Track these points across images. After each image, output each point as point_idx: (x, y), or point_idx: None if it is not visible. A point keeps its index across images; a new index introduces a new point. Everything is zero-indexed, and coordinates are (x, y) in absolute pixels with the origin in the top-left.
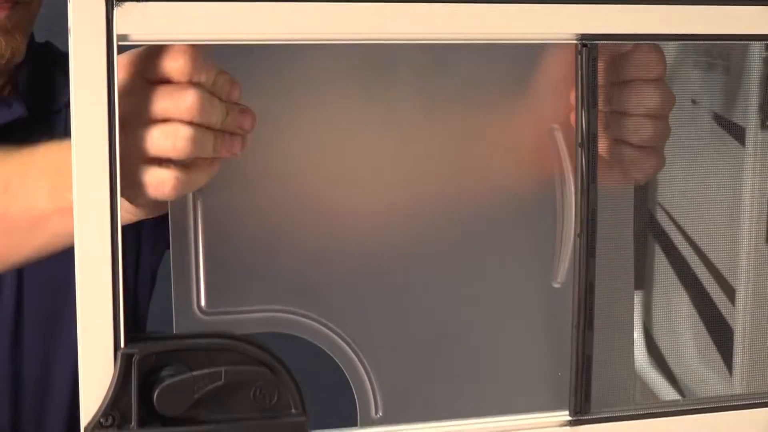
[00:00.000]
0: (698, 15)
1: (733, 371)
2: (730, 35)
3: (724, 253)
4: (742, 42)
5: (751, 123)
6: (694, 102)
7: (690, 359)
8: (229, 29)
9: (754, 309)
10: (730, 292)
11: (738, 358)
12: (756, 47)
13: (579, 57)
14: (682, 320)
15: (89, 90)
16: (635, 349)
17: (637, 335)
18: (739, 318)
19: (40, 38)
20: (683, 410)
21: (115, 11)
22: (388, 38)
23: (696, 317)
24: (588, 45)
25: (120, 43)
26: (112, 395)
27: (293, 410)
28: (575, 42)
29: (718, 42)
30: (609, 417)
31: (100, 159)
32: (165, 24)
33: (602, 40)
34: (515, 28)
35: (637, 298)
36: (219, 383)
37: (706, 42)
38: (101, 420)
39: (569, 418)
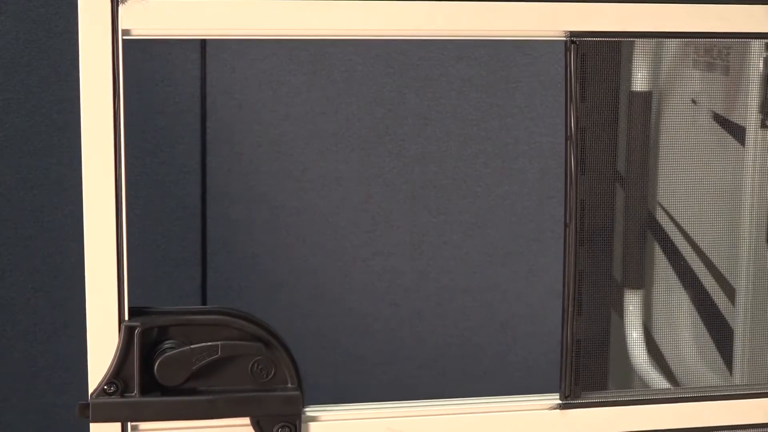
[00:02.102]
0: (683, 13)
1: (733, 371)
2: (715, 33)
3: (724, 253)
4: (725, 40)
5: (751, 123)
6: (694, 102)
7: (690, 359)
8: (228, 25)
9: (754, 309)
10: (730, 292)
11: (738, 358)
12: (756, 48)
13: (568, 53)
14: (682, 320)
15: (96, 78)
16: (635, 348)
17: (637, 334)
18: (739, 318)
19: (39, 38)
20: (672, 398)
21: (119, 8)
22: (382, 35)
23: (696, 317)
24: (576, 42)
25: (124, 37)
26: (115, 365)
27: (289, 385)
28: (564, 39)
29: (703, 39)
30: (599, 402)
31: (106, 139)
32: (165, 20)
33: (591, 37)
34: (507, 25)
35: (638, 297)
36: (216, 356)
37: (691, 39)
38: (105, 387)
39: (559, 401)
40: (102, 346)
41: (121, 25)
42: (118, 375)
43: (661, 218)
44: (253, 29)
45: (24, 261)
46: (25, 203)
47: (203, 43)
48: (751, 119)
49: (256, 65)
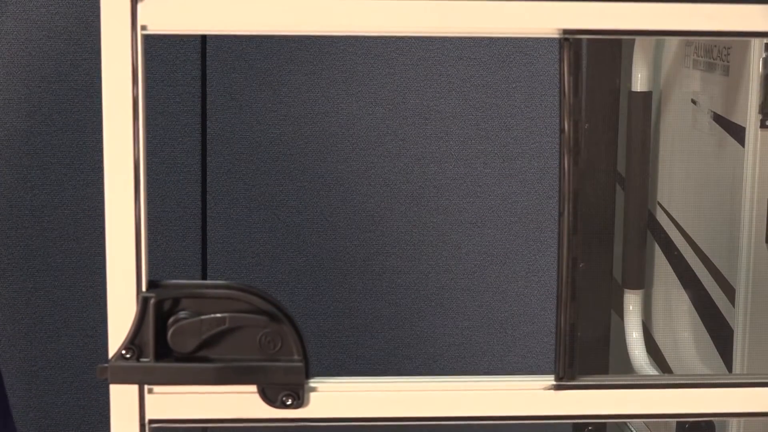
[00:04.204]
0: (680, 11)
1: (733, 370)
2: (712, 32)
3: (724, 253)
4: (724, 39)
5: (751, 123)
6: (694, 102)
7: (689, 358)
8: (241, 22)
9: (754, 309)
10: (730, 292)
11: (737, 358)
12: (756, 48)
13: (562, 50)
14: (682, 320)
15: (117, 69)
16: (635, 348)
17: (637, 334)
18: (739, 318)
19: (38, 38)
20: (668, 384)
21: (138, 5)
22: (380, 32)
23: (696, 317)
24: (570, 39)
25: (142, 32)
26: (132, 332)
27: (295, 357)
28: (558, 36)
29: (700, 38)
30: (593, 385)
31: (126, 123)
32: (179, 17)
33: (584, 35)
34: (502, 23)
35: (638, 297)
36: (224, 327)
37: (688, 38)
38: (123, 352)
39: (554, 382)
40: (121, 315)
41: (140, 21)
42: (134, 341)
43: (661, 218)
44: (266, 27)
45: (24, 261)
46: (25, 203)
47: (203, 43)
48: (750, 119)
49: (256, 65)
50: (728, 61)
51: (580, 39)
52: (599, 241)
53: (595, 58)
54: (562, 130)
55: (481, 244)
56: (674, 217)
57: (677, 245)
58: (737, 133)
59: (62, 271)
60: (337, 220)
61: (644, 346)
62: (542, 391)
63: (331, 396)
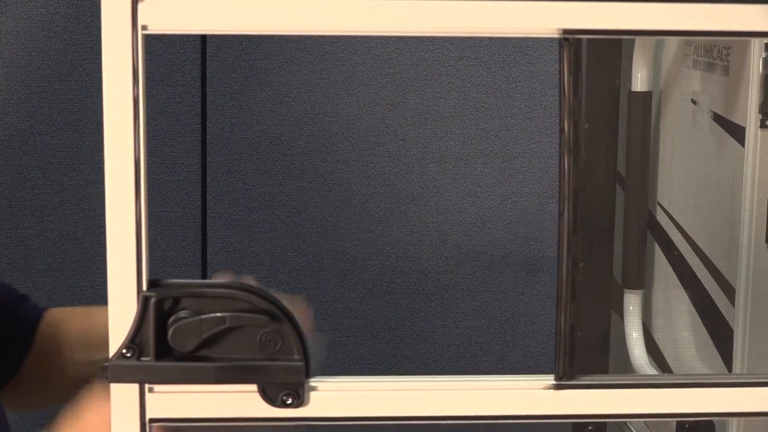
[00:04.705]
0: (680, 11)
1: (733, 370)
2: (712, 32)
3: (724, 253)
4: (724, 39)
5: (751, 123)
6: (694, 102)
7: (690, 359)
8: (241, 22)
9: (754, 309)
10: (730, 292)
11: (738, 358)
12: (756, 47)
13: (562, 50)
14: (682, 320)
15: (118, 69)
16: (635, 348)
17: (637, 335)
18: (739, 318)
19: (38, 38)
20: (669, 383)
21: (138, 5)
22: (380, 32)
23: (696, 317)
24: (570, 39)
25: (143, 32)
26: (133, 331)
27: (295, 356)
28: (558, 36)
29: (700, 38)
30: (593, 384)
31: (127, 124)
32: (179, 16)
33: (584, 35)
34: (502, 23)
35: (637, 297)
36: (224, 326)
37: (688, 38)
38: (124, 351)
39: (554, 382)
40: (122, 314)
41: (140, 21)
42: (134, 340)
43: (661, 218)
44: (268, 27)
45: (24, 261)
46: (25, 203)
47: (203, 43)
48: (750, 119)
49: (256, 65)
50: (728, 61)
51: (580, 39)
52: (599, 241)
53: (595, 58)
54: (562, 130)
55: (481, 244)
56: (674, 217)
57: (677, 245)
58: (737, 133)
59: (62, 271)
60: (337, 220)
61: (644, 346)
62: (542, 390)
63: (332, 395)
